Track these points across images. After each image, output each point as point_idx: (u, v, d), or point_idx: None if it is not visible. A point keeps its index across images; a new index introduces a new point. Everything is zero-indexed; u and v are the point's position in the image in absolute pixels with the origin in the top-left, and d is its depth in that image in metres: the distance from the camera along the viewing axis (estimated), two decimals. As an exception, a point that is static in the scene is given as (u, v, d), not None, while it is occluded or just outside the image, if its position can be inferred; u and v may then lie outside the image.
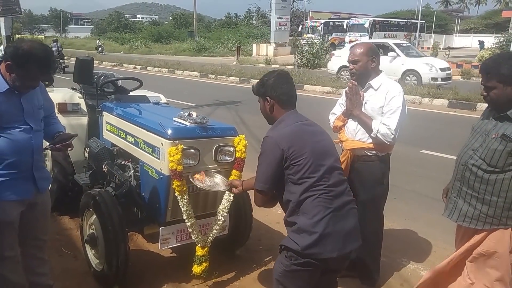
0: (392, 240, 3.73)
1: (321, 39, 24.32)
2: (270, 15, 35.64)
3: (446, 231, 3.25)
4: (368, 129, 2.79)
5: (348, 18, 36.00)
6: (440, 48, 28.31)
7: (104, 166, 3.21)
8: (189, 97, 12.15)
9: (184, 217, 2.80)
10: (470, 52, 30.29)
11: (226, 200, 2.93)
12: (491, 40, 29.21)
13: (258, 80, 2.31)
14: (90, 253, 3.13)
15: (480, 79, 2.27)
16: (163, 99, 4.60)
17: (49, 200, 2.61)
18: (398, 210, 4.41)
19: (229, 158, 2.93)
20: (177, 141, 2.68)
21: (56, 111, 2.92)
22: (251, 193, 2.75)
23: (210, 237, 2.99)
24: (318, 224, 1.98)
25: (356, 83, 2.86)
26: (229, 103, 11.46)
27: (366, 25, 31.54)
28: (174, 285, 3.08)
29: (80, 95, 4.26)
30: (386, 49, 14.63)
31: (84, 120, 4.10)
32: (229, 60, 27.17)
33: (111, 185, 3.23)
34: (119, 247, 2.76)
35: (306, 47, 22.07)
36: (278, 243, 2.17)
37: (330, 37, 31.01)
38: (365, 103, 2.84)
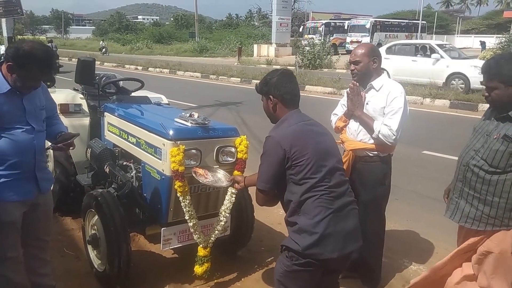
0: (394, 241, 3.72)
1: (322, 40, 24.32)
2: (271, 15, 35.69)
3: (448, 232, 3.24)
4: (370, 130, 2.79)
5: (349, 19, 36.09)
6: (441, 49, 28.19)
7: (106, 167, 3.21)
8: (191, 97, 12.16)
9: (187, 217, 2.80)
10: (471, 52, 30.12)
11: (228, 201, 2.94)
12: (492, 41, 29.15)
13: (261, 79, 2.31)
14: (92, 254, 3.13)
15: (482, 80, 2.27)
16: (165, 100, 4.61)
17: (51, 201, 2.62)
18: (399, 211, 4.41)
19: (231, 159, 2.93)
20: (178, 142, 2.68)
21: (58, 112, 2.93)
22: (252, 194, 2.75)
23: (212, 238, 2.99)
24: (318, 224, 1.98)
25: (357, 83, 2.86)
26: (231, 103, 11.46)
27: (367, 26, 31.59)
28: (176, 285, 3.09)
29: (82, 96, 4.28)
30: (425, 50, 14.06)
31: (86, 121, 4.11)
32: (230, 61, 27.19)
33: (113, 186, 3.24)
34: (121, 248, 2.76)
35: (307, 48, 22.08)
36: (279, 244, 2.17)
37: (331, 38, 31.02)
38: (367, 103, 2.84)
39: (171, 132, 2.73)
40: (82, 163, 3.92)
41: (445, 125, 9.19)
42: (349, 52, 26.66)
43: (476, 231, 2.31)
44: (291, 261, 2.04)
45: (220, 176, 2.78)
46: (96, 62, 3.94)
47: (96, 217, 2.95)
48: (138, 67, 23.44)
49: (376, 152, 2.84)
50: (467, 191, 2.30)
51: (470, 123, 2.80)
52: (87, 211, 3.08)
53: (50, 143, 2.53)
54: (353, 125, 2.89)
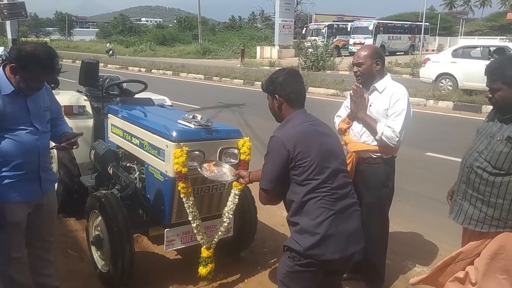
0: (397, 243, 3.72)
1: (325, 42, 24.30)
2: (274, 17, 35.71)
3: (451, 233, 3.24)
4: (373, 131, 2.79)
5: (352, 21, 36.05)
6: (444, 50, 28.15)
7: (110, 168, 3.23)
8: (194, 99, 12.19)
9: (190, 218, 2.81)
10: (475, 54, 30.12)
11: (231, 202, 2.94)
12: (496, 43, 29.08)
13: (267, 78, 2.29)
14: (96, 255, 3.15)
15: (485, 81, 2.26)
16: (168, 102, 4.62)
17: (55, 202, 2.64)
18: (403, 213, 4.40)
19: (234, 160, 2.93)
20: (181, 143, 2.69)
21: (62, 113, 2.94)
22: (255, 195, 2.76)
23: (215, 239, 3.00)
24: (320, 225, 1.98)
25: (360, 85, 2.86)
26: (233, 105, 11.48)
27: (370, 28, 31.51)
28: (179, 286, 3.09)
29: (85, 98, 4.30)
30: (502, 52, 12.59)
31: (90, 122, 4.13)
32: (233, 63, 27.22)
33: (116, 187, 3.25)
34: (124, 249, 2.77)
35: (310, 50, 22.07)
36: (282, 245, 2.17)
37: (334, 40, 30.98)
38: (370, 105, 2.84)
39: (174, 134, 2.74)
40: (86, 165, 3.94)
41: (448, 127, 9.16)
42: (352, 54, 26.68)
43: (480, 233, 2.30)
44: (293, 261, 2.04)
45: (226, 171, 2.76)
46: (99, 64, 3.96)
47: (100, 218, 2.96)
48: (142, 69, 23.50)
49: (379, 154, 2.83)
50: (470, 193, 2.30)
51: (473, 124, 2.80)
52: (91, 212, 3.09)
53: (54, 143, 2.54)
54: (357, 127, 2.90)
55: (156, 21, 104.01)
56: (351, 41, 31.81)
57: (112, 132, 3.64)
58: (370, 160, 2.86)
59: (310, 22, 41.99)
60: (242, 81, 17.20)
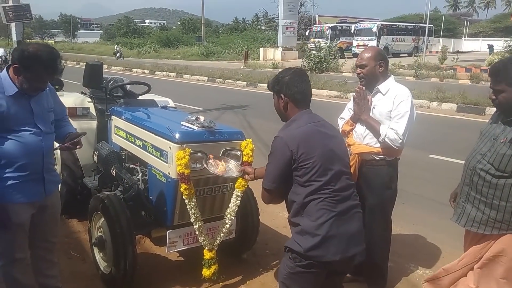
0: (400, 245, 3.71)
1: (328, 43, 24.30)
2: (278, 19, 35.76)
3: (454, 236, 3.22)
4: (376, 133, 2.78)
5: (355, 23, 36.00)
6: (448, 52, 28.10)
7: (113, 170, 3.24)
8: (197, 101, 12.21)
9: (192, 220, 2.81)
10: (479, 56, 30.07)
11: (233, 204, 2.94)
12: (500, 44, 28.97)
13: (273, 77, 2.28)
14: (98, 256, 3.15)
15: (489, 83, 2.26)
16: (171, 103, 4.63)
17: (59, 203, 2.64)
18: (406, 215, 4.38)
19: (236, 162, 2.93)
20: (184, 145, 2.70)
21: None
22: (258, 197, 2.76)
23: (217, 241, 3.00)
24: (321, 226, 1.98)
25: (363, 87, 2.86)
26: (237, 107, 11.49)
27: (374, 29, 31.51)
28: (181, 288, 3.09)
29: (89, 100, 4.31)
30: None
31: (93, 124, 4.14)
32: (237, 65, 27.26)
33: (119, 189, 3.26)
34: (127, 250, 2.77)
35: (314, 51, 22.08)
36: (284, 247, 2.17)
37: (337, 41, 30.99)
38: (373, 107, 2.84)
39: (177, 135, 2.75)
40: (89, 166, 3.95)
41: (452, 129, 9.13)
42: (355, 55, 26.66)
43: (482, 235, 2.29)
44: (294, 262, 2.04)
45: (231, 167, 2.76)
46: (103, 66, 3.98)
47: (103, 219, 2.97)
48: (145, 71, 23.58)
49: (382, 156, 2.83)
50: (473, 195, 2.29)
51: (477, 126, 2.80)
52: (94, 213, 3.10)
53: (57, 144, 2.55)
54: (360, 129, 2.89)
55: (160, 23, 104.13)
56: (355, 43, 31.82)
57: (116, 133, 3.65)
58: (373, 162, 2.85)
59: (314, 23, 42.04)
60: (245, 83, 17.23)
